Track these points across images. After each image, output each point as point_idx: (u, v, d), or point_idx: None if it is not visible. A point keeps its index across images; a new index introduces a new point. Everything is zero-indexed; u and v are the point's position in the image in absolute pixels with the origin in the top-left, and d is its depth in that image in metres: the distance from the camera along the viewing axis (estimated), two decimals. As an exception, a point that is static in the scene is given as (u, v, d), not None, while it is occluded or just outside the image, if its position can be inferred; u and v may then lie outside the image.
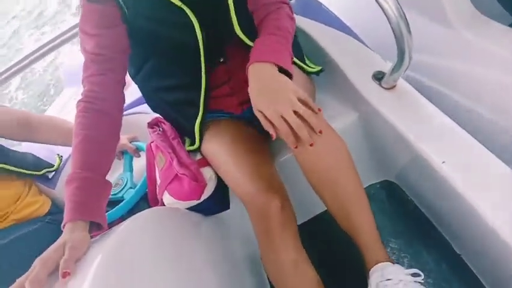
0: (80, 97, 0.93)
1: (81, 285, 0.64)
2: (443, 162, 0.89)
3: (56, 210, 1.42)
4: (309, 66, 1.17)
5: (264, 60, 0.88)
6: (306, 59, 1.20)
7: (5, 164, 1.32)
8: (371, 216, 0.93)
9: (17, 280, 0.69)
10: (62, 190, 0.85)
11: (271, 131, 0.82)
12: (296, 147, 0.84)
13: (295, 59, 1.11)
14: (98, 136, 0.90)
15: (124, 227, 0.82)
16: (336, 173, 0.92)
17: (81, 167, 0.85)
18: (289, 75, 0.89)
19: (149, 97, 1.17)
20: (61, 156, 1.57)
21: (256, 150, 1.05)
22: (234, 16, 0.97)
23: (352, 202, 0.93)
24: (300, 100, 0.82)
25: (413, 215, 1.18)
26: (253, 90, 0.86)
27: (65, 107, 2.14)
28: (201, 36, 0.96)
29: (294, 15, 1.07)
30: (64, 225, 0.80)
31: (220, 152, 1.06)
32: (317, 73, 1.19)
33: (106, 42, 0.93)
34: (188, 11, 0.92)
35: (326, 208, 0.97)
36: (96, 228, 0.85)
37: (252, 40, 1.01)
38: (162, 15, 0.93)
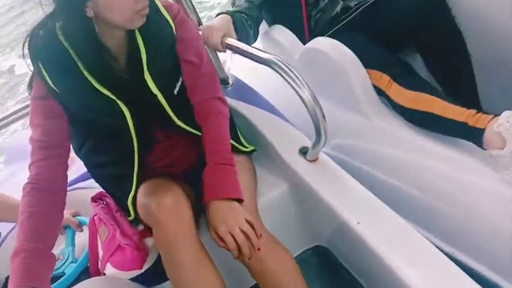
0: (26, 180, 1.01)
1: None
2: (358, 223, 1.02)
3: None
4: (244, 146, 1.29)
5: (219, 198, 1.02)
6: (241, 137, 1.32)
7: None
8: None
9: None
10: None
11: (222, 245, 0.97)
12: (237, 258, 0.99)
13: (233, 142, 1.20)
14: (43, 212, 0.97)
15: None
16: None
17: (27, 239, 0.91)
18: (239, 200, 1.04)
19: (91, 172, 1.23)
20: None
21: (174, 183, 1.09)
22: (170, 111, 1.09)
23: None
24: (247, 221, 0.98)
25: (344, 279, 1.25)
26: (212, 219, 0.99)
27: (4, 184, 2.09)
28: (132, 124, 1.05)
29: (231, 100, 1.22)
30: None
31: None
32: (251, 152, 1.32)
33: (51, 130, 1.03)
34: (120, 102, 1.03)
35: None
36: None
37: (191, 125, 1.12)
38: (95, 105, 1.03)
